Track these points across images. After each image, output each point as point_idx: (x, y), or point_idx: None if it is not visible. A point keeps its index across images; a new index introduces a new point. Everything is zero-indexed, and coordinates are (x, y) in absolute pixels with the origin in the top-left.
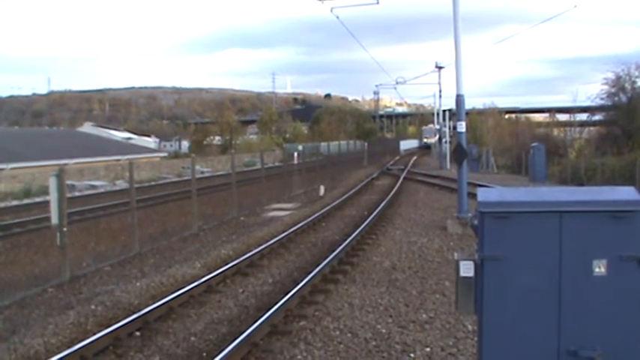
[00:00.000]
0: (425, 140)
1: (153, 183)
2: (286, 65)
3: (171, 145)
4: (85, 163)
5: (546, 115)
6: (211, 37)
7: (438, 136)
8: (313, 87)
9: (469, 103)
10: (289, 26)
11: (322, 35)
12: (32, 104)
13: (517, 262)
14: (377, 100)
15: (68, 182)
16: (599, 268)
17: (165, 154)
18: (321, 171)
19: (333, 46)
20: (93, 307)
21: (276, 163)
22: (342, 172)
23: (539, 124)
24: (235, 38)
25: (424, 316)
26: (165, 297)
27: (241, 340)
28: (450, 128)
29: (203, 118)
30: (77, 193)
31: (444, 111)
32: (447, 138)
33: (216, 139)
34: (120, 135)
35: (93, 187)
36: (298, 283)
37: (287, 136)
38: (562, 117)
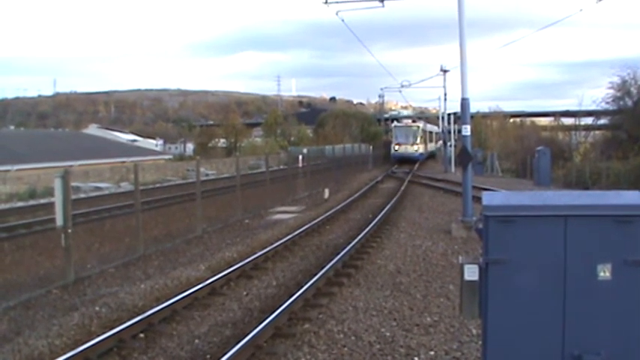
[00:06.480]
0: (396, 148)
1: (157, 185)
2: (297, 68)
3: (176, 148)
4: (90, 165)
5: (551, 119)
6: (226, 39)
7: (416, 140)
8: (319, 90)
9: (474, 107)
10: (305, 30)
11: (336, 39)
12: (38, 106)
13: (521, 266)
14: (382, 104)
15: (73, 184)
16: (604, 272)
17: (170, 157)
18: (326, 174)
19: (345, 50)
20: (97, 308)
21: (281, 166)
22: (347, 176)
23: (544, 128)
24: (250, 41)
25: (428, 319)
26: (170, 299)
27: (245, 343)
28: (454, 132)
29: (208, 121)
30: (82, 195)
31: (449, 114)
32: (452, 141)
33: (221, 142)
34: (125, 137)
35: (98, 188)
36: (302, 286)
37: (292, 139)
38: (567, 121)
